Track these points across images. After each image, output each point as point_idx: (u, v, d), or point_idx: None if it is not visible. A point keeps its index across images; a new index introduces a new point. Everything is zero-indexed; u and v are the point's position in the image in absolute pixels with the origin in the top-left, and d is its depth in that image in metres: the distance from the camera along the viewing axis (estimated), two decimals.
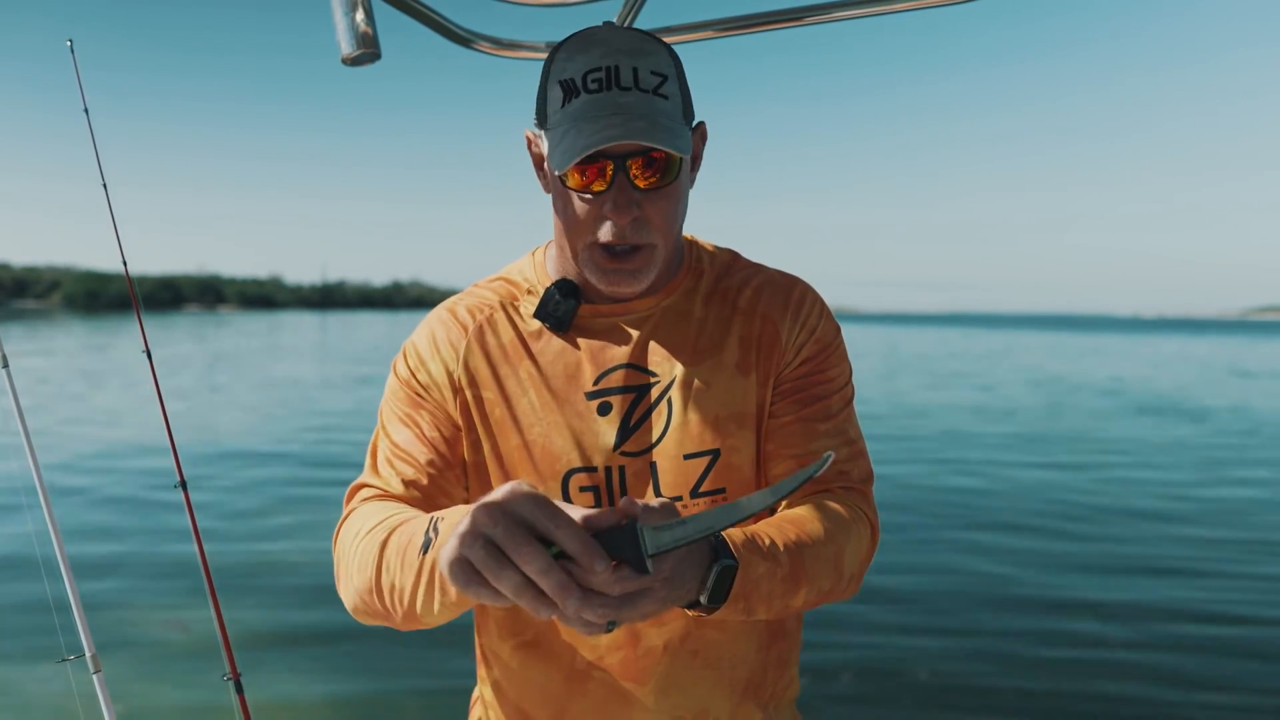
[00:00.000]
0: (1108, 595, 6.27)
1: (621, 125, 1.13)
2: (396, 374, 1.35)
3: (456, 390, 1.31)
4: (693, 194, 1.30)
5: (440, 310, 1.37)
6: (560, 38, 1.58)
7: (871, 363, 31.81)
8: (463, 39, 1.64)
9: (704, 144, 1.30)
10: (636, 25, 1.66)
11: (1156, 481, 10.71)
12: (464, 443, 1.31)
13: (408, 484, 1.24)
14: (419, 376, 1.32)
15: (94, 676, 1.41)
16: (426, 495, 1.25)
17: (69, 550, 1.50)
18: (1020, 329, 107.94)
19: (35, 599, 5.53)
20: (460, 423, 1.30)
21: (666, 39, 1.68)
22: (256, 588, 6.14)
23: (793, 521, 1.21)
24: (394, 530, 1.10)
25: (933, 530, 8.18)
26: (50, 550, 1.47)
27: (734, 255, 1.44)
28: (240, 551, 7.17)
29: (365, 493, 1.27)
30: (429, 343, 1.34)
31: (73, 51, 1.73)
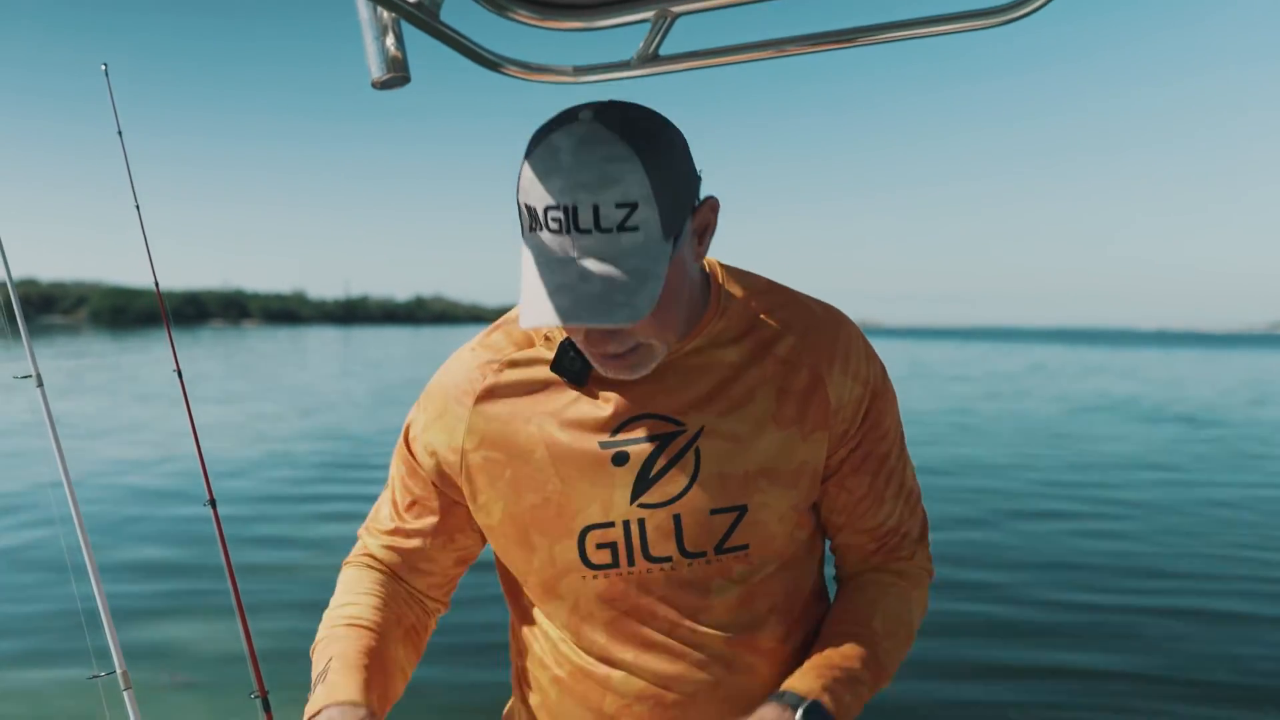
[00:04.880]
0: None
1: (570, 297, 1.07)
2: (407, 428, 1.37)
3: (461, 454, 1.30)
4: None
5: (456, 362, 1.35)
6: (589, 61, 1.60)
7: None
8: (491, 63, 1.65)
9: (715, 214, 1.21)
10: (662, 52, 1.67)
11: None
12: (472, 506, 1.33)
13: (392, 550, 1.38)
14: (414, 447, 1.35)
15: (124, 694, 1.43)
16: (407, 562, 1.38)
17: (100, 567, 1.52)
18: (1045, 343, 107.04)
19: (67, 616, 5.58)
20: (464, 489, 1.31)
21: (693, 64, 1.68)
22: (285, 605, 6.16)
23: (861, 624, 1.29)
24: (321, 661, 1.26)
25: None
26: (83, 567, 1.49)
27: (768, 286, 1.35)
28: (269, 568, 7.21)
29: (360, 550, 1.42)
30: (433, 406, 1.33)
31: (107, 76, 1.76)
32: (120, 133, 1.76)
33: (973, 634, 5.79)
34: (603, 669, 1.29)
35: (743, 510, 1.25)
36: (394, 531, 1.38)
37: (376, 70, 1.52)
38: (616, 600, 1.27)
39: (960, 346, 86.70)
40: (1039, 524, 9.12)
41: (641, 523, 1.24)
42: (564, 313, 1.06)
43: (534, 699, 1.38)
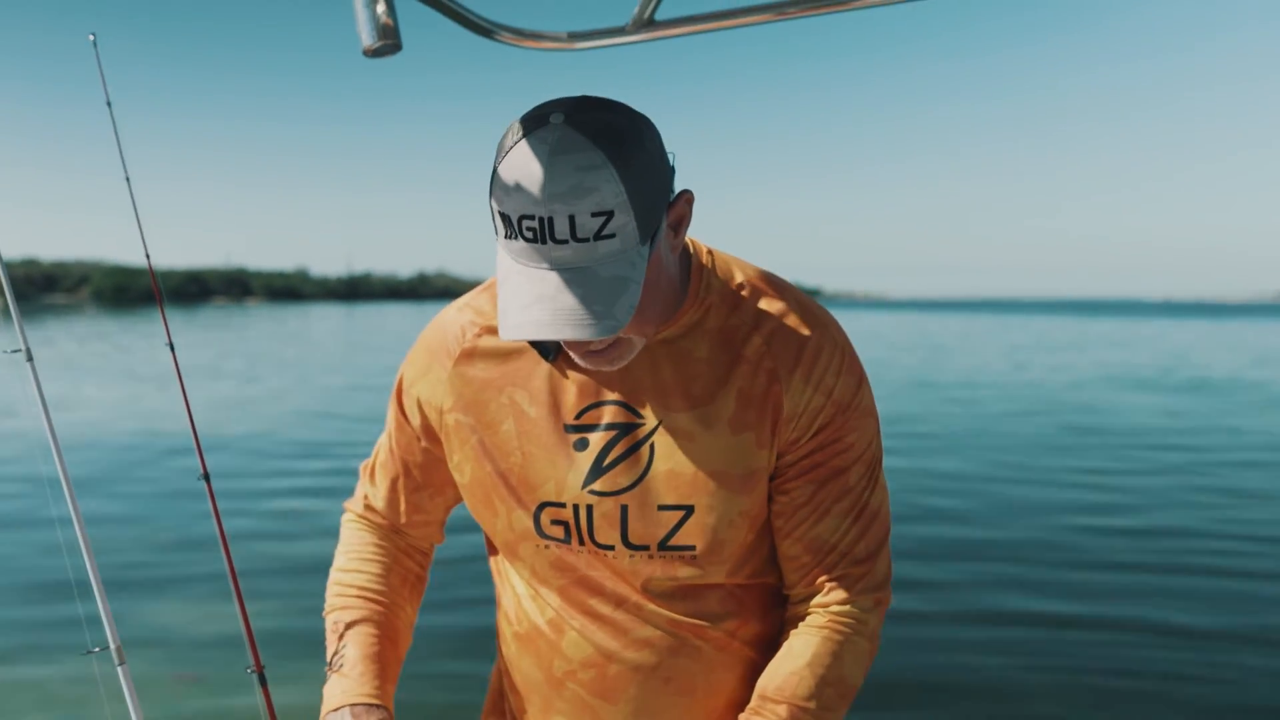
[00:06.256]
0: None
1: (548, 309, 1.06)
2: (399, 380, 1.41)
3: (440, 413, 1.34)
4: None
5: (442, 319, 1.37)
6: (582, 27, 1.57)
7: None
8: (484, 30, 1.63)
9: (690, 207, 1.19)
10: (658, 17, 1.63)
11: None
12: (449, 463, 1.38)
13: (386, 501, 1.46)
14: (404, 400, 1.39)
15: (119, 669, 1.42)
16: (402, 513, 1.45)
17: (93, 543, 1.50)
18: (1051, 315, 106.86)
19: (60, 593, 5.59)
20: (444, 446, 1.37)
21: (690, 29, 1.64)
22: (282, 583, 6.17)
23: (790, 695, 1.24)
24: (335, 633, 1.40)
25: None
26: (75, 543, 1.48)
27: (755, 279, 1.32)
28: (265, 544, 7.22)
29: (360, 500, 1.49)
30: (420, 361, 1.37)
31: (95, 46, 1.74)
32: (109, 103, 1.75)
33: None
34: (554, 632, 1.33)
35: (689, 510, 1.25)
36: (389, 483, 1.45)
37: (367, 38, 1.50)
38: (568, 570, 1.31)
39: (967, 319, 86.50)
40: (1036, 492, 9.12)
41: (590, 509, 1.26)
42: (542, 326, 1.06)
43: (505, 652, 1.44)
